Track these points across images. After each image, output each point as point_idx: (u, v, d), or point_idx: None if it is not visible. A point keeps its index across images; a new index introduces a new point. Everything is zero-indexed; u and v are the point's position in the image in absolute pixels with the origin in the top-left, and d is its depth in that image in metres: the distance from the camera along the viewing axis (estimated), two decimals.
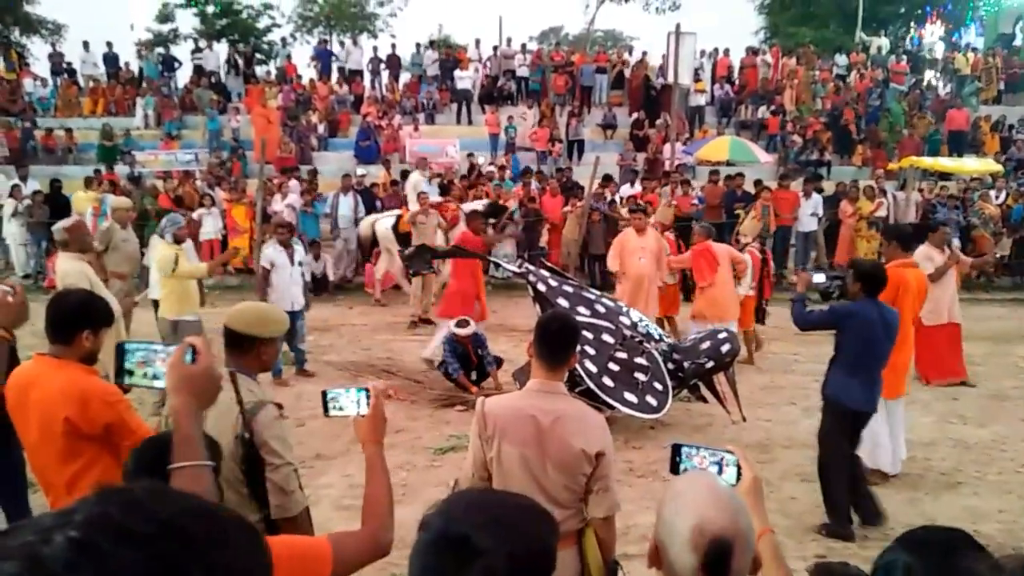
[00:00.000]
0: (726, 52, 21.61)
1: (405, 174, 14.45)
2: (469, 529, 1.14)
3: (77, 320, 2.86)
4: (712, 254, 7.78)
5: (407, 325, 9.96)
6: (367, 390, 1.92)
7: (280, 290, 7.42)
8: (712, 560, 1.27)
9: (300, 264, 7.65)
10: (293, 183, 13.35)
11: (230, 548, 0.85)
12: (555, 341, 2.67)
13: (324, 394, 1.96)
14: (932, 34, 25.42)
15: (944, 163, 15.41)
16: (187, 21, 31.31)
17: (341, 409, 1.93)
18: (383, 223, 11.20)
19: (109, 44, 21.07)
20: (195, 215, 12.64)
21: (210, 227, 12.58)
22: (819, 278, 5.04)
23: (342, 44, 23.92)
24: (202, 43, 24.59)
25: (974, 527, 4.65)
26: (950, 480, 5.59)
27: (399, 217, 11.02)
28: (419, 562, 1.17)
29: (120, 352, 1.64)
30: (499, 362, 7.50)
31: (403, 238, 10.65)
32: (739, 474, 1.72)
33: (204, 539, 0.82)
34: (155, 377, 1.64)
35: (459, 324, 7.20)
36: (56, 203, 12.93)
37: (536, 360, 2.68)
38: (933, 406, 7.13)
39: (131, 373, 1.64)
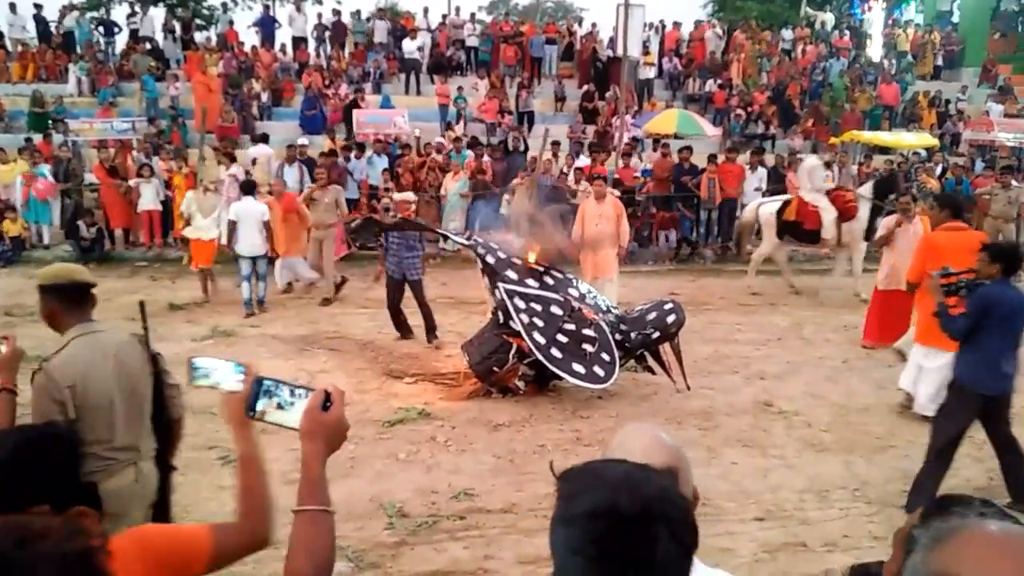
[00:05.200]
0: (675, 25, 21.68)
1: (353, 147, 14.17)
2: (635, 502, 1.10)
3: None
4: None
5: (327, 299, 9.73)
6: (244, 366, 1.69)
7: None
8: None
9: None
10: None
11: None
12: None
13: (191, 362, 1.70)
14: (873, 10, 25.93)
15: (883, 137, 15.78)
16: None
17: (207, 378, 1.69)
18: (767, 207, 10.98)
19: (38, 6, 20.06)
20: (132, 183, 12.28)
21: (149, 197, 12.22)
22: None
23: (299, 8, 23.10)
24: (138, 7, 23.58)
25: (904, 489, 4.85)
26: (884, 443, 5.80)
27: (786, 203, 10.70)
28: (599, 549, 1.09)
29: (258, 385, 1.62)
30: None
31: (789, 226, 10.43)
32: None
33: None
34: (288, 417, 1.60)
35: None
36: None
37: None
38: (870, 373, 7.38)
39: (265, 412, 1.62)
